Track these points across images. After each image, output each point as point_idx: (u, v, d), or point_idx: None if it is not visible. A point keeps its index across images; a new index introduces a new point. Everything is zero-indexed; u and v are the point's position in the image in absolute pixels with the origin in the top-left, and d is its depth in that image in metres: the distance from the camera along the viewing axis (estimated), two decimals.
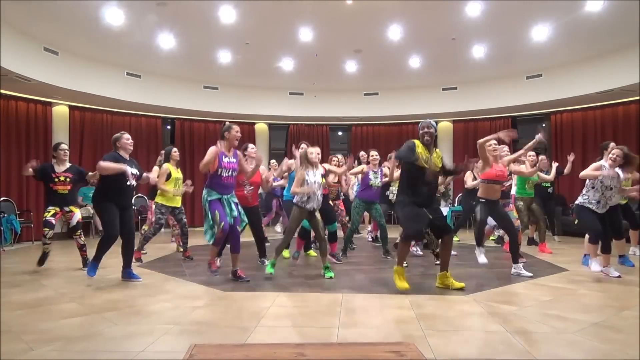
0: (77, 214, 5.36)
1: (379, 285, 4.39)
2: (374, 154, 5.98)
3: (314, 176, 4.69)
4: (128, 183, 4.51)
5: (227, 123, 4.65)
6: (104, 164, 4.37)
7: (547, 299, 3.82)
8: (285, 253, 5.95)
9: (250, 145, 5.53)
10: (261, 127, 11.64)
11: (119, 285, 4.41)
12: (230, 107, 10.45)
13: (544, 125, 6.69)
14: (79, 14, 6.63)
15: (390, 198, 6.19)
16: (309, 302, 3.75)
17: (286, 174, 5.90)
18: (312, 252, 6.12)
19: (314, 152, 4.79)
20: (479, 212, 5.20)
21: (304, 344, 2.10)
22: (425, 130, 4.19)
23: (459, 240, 7.29)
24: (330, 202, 5.91)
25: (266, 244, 5.79)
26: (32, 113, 8.51)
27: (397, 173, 5.38)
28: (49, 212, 5.13)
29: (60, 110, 9.05)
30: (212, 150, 4.34)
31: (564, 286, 4.31)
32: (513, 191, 6.44)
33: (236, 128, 4.57)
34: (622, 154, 4.65)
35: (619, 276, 4.61)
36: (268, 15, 7.00)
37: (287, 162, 5.89)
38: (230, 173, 4.45)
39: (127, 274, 4.60)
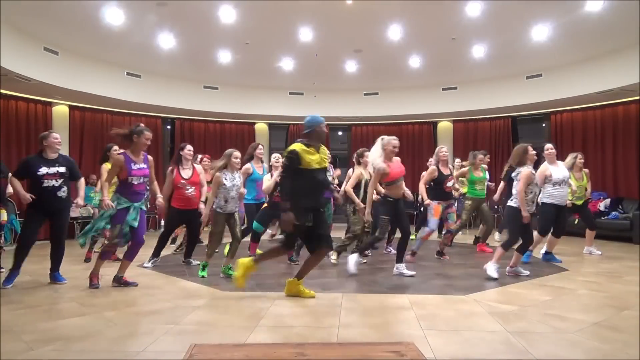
0: (3, 215, 5.22)
1: (379, 285, 4.39)
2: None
3: (232, 180, 4.66)
4: (45, 185, 4.32)
5: (139, 125, 4.36)
6: (13, 184, 4.31)
7: (547, 299, 3.82)
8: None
9: (188, 147, 5.43)
10: (261, 127, 11.64)
11: (119, 285, 4.40)
12: (230, 107, 10.46)
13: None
14: (79, 14, 6.63)
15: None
16: (309, 302, 3.74)
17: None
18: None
19: (238, 155, 4.74)
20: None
21: (304, 344, 2.10)
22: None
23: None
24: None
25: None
26: (32, 113, 8.50)
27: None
28: None
29: (60, 110, 9.05)
30: (118, 158, 4.18)
31: (564, 286, 4.31)
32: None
33: (147, 134, 4.28)
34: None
35: (528, 275, 4.74)
36: (268, 15, 7.00)
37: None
38: (141, 180, 4.26)
39: (54, 277, 4.53)
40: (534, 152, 4.84)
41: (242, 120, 11.25)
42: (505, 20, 7.10)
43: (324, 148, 3.95)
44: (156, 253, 5.58)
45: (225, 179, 4.60)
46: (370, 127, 11.81)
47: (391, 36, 7.61)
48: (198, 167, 5.59)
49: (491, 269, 4.57)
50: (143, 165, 4.28)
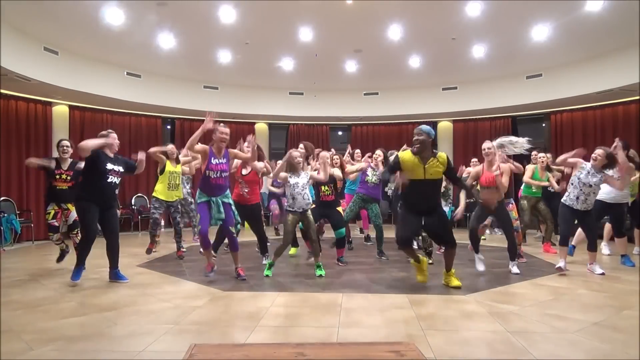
0: (74, 213, 5.29)
1: (379, 285, 4.39)
2: (379, 153, 5.99)
3: (298, 178, 4.77)
4: (109, 180, 4.43)
5: (220, 125, 4.60)
6: (83, 142, 4.24)
7: (547, 299, 3.83)
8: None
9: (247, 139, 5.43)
10: (261, 127, 11.64)
11: (119, 285, 4.40)
12: (230, 107, 10.45)
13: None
14: (79, 14, 6.63)
15: (389, 194, 6.17)
16: (309, 302, 3.75)
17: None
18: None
19: (297, 154, 4.85)
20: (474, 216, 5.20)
21: (304, 344, 2.10)
22: (414, 137, 4.07)
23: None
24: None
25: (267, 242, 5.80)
26: (32, 113, 8.50)
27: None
28: (49, 213, 5.08)
29: (60, 110, 9.05)
30: (203, 147, 4.44)
31: (564, 286, 4.31)
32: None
33: (222, 129, 4.52)
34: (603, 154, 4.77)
35: (603, 273, 4.74)
36: (268, 15, 7.00)
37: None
38: (218, 174, 4.42)
39: (114, 275, 4.55)
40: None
41: (242, 120, 11.25)
42: (505, 20, 7.09)
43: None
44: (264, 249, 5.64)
45: (290, 177, 4.77)
46: (370, 127, 11.81)
47: (391, 36, 7.60)
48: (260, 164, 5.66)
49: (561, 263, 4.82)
50: (222, 161, 4.46)
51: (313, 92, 10.67)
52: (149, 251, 6.14)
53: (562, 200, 5.04)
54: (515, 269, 4.87)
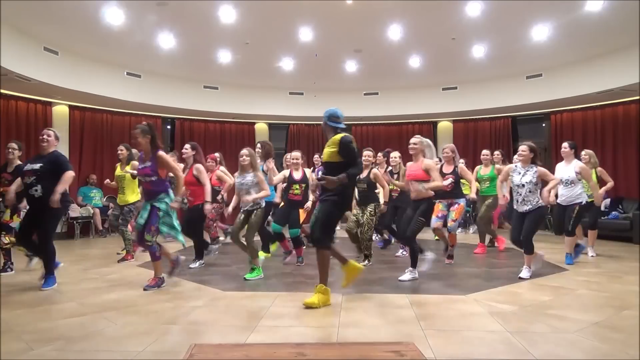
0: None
1: (379, 285, 4.39)
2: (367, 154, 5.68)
3: (243, 178, 4.79)
4: (26, 181, 4.19)
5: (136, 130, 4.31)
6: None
7: (547, 299, 3.82)
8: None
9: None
10: (261, 127, 11.64)
11: (119, 285, 4.40)
12: (230, 107, 10.46)
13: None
14: (79, 14, 6.63)
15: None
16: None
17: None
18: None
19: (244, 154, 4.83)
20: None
21: (304, 344, 2.10)
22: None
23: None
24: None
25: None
26: (32, 113, 8.51)
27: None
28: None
29: (60, 110, 9.04)
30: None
31: (564, 286, 4.30)
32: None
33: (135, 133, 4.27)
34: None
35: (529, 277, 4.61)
36: (268, 15, 7.00)
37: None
38: (143, 178, 4.31)
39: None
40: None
41: (242, 120, 11.25)
42: (505, 20, 7.10)
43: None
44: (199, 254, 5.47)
45: (238, 176, 4.88)
46: (370, 127, 11.81)
47: (391, 36, 7.61)
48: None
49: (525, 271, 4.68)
50: (146, 164, 4.24)
51: (313, 92, 10.67)
52: (121, 260, 5.81)
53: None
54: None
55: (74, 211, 8.52)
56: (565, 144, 5.62)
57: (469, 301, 3.75)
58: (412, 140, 4.81)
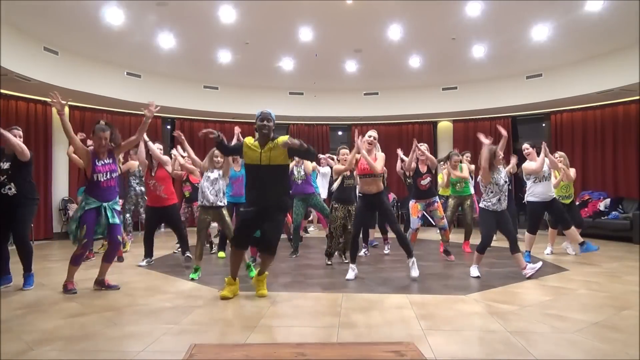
0: None
1: (379, 285, 4.39)
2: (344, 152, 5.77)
3: (210, 173, 4.90)
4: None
5: (100, 122, 4.29)
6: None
7: (547, 299, 3.83)
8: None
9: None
10: None
11: (119, 285, 4.40)
12: (230, 107, 10.45)
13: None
14: (79, 14, 6.63)
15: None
16: (309, 302, 3.75)
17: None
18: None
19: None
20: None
21: (304, 344, 2.10)
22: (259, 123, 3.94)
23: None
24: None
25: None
26: (32, 113, 8.50)
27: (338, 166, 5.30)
28: None
29: None
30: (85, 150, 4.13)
31: (564, 286, 4.31)
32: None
33: (100, 127, 4.21)
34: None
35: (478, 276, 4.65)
36: (268, 15, 7.00)
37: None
38: (108, 176, 4.13)
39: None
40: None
41: (242, 120, 11.23)
42: (505, 20, 7.09)
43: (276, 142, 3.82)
44: (148, 253, 5.54)
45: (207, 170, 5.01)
46: (370, 127, 11.78)
47: (391, 36, 7.61)
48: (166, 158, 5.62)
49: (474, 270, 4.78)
50: (108, 161, 4.17)
51: (313, 92, 10.67)
52: (118, 259, 5.67)
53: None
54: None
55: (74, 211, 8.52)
56: (526, 145, 5.58)
57: (469, 301, 3.75)
58: (372, 133, 4.88)
